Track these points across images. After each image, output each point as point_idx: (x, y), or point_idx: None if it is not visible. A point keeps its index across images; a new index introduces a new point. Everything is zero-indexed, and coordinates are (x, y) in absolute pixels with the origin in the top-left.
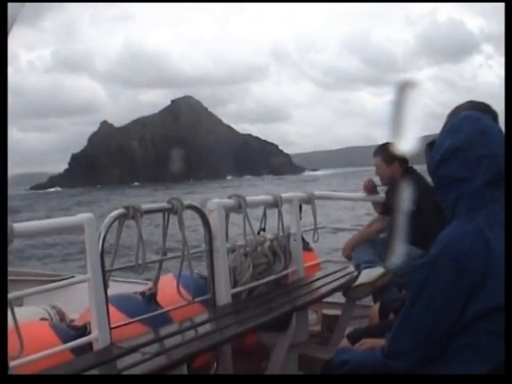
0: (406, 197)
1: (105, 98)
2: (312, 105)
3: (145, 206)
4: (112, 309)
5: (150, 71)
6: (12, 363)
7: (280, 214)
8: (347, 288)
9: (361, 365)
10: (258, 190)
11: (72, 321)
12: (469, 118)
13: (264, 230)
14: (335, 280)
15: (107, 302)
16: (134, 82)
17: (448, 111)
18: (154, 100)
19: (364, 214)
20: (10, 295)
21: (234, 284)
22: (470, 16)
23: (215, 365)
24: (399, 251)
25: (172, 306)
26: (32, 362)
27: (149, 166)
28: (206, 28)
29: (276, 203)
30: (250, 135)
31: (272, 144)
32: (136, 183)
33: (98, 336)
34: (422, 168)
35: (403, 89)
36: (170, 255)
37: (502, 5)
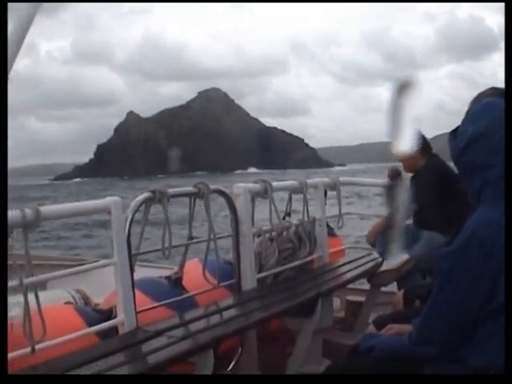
0: (428, 184)
1: (124, 89)
2: (332, 99)
3: (171, 190)
4: (138, 293)
5: (169, 63)
6: (37, 346)
7: (305, 200)
8: (372, 274)
9: (388, 350)
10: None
11: (97, 305)
12: (491, 104)
13: (289, 215)
14: (360, 266)
15: (133, 286)
16: (153, 74)
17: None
18: (174, 92)
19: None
20: (34, 279)
21: (260, 269)
22: (490, 13)
23: (240, 350)
24: (423, 238)
25: (197, 291)
26: (57, 346)
27: (174, 158)
28: (225, 21)
29: (301, 188)
30: (275, 128)
31: (297, 137)
32: (160, 175)
33: (123, 319)
34: None
35: (402, 88)
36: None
37: None
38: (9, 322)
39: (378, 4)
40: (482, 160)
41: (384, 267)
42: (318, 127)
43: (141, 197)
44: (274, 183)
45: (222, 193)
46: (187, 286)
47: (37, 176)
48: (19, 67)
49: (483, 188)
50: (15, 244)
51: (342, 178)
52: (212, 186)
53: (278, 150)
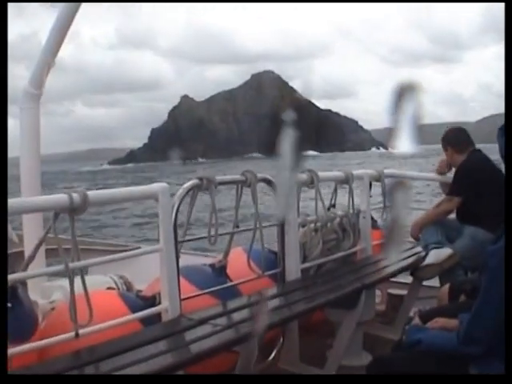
0: (468, 179)
1: (171, 73)
2: (378, 82)
3: (219, 178)
4: (182, 280)
5: (214, 47)
6: (81, 331)
7: (351, 191)
8: (415, 268)
9: (435, 346)
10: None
11: (139, 291)
12: None
13: (334, 206)
14: (402, 260)
15: (178, 274)
16: (199, 58)
17: None
18: (221, 75)
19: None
20: (80, 263)
21: (304, 259)
22: None
23: (282, 340)
24: (466, 233)
25: (241, 280)
26: (100, 331)
27: (231, 141)
28: (270, 5)
29: (347, 180)
30: (329, 111)
31: (352, 119)
32: (214, 160)
33: (167, 307)
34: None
35: (403, 91)
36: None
37: None
38: (52, 305)
39: None
40: None
41: (427, 261)
42: (365, 110)
43: (188, 184)
44: (320, 173)
45: (268, 181)
46: (231, 275)
47: (87, 161)
48: (64, 54)
49: None
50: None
51: (386, 171)
52: (259, 175)
53: (333, 132)
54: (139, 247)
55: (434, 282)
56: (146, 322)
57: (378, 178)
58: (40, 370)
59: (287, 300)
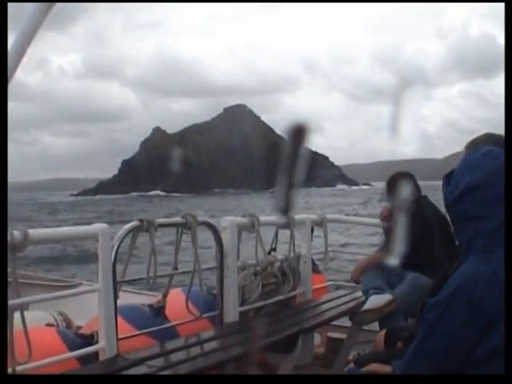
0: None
1: (137, 104)
2: (344, 117)
3: (159, 220)
4: (120, 319)
5: (181, 79)
6: (18, 368)
7: (292, 236)
8: (354, 313)
9: None
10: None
11: (78, 328)
12: (490, 154)
13: (275, 249)
14: (342, 304)
15: (116, 313)
16: (165, 90)
17: (480, 127)
18: (186, 109)
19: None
20: (20, 300)
21: (242, 302)
22: (502, 31)
23: None
24: (407, 278)
25: (180, 321)
26: (38, 368)
27: (203, 174)
28: (237, 37)
29: (289, 224)
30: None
31: (322, 155)
32: (187, 194)
33: (105, 346)
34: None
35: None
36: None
37: None
38: None
39: (389, 21)
40: (475, 211)
41: (366, 306)
42: (330, 146)
43: (128, 225)
44: (262, 218)
45: (209, 225)
46: (170, 316)
47: (53, 191)
48: (31, 81)
49: (474, 239)
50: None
51: (329, 216)
52: (200, 218)
53: (312, 168)
54: (81, 283)
55: (375, 326)
56: (84, 360)
57: (320, 223)
58: None
59: (224, 342)
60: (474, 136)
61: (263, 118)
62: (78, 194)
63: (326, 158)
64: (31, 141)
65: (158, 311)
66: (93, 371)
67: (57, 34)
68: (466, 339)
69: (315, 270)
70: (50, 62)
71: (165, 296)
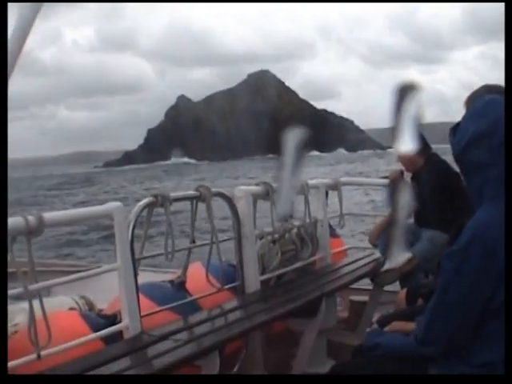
0: (427, 183)
1: (152, 75)
2: (361, 82)
3: (173, 194)
4: (142, 297)
5: (196, 49)
6: (43, 353)
7: (307, 201)
8: (374, 274)
9: (393, 348)
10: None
11: (101, 310)
12: (492, 102)
13: (291, 216)
14: (362, 266)
15: (137, 291)
16: (180, 60)
17: None
18: (202, 77)
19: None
20: (38, 285)
21: (263, 271)
22: None
23: (245, 352)
24: (424, 236)
25: (201, 294)
26: (62, 352)
27: (230, 141)
28: (250, 4)
29: (303, 190)
30: (325, 110)
31: (347, 119)
32: (216, 162)
33: (128, 324)
34: None
35: (404, 90)
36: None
37: None
38: (15, 328)
39: None
40: (482, 159)
41: (386, 267)
42: (348, 110)
43: (143, 201)
44: (275, 185)
45: (223, 196)
46: (191, 290)
47: (76, 164)
48: (46, 57)
49: (484, 187)
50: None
51: (343, 179)
52: (213, 189)
53: (332, 132)
54: (99, 266)
55: (396, 286)
56: (108, 340)
57: (335, 187)
58: None
59: (247, 312)
60: None
61: (287, 83)
62: (104, 166)
63: (352, 122)
64: (48, 115)
65: (179, 286)
66: (118, 350)
67: (69, 8)
68: (485, 286)
69: (333, 234)
70: (63, 37)
71: (184, 270)
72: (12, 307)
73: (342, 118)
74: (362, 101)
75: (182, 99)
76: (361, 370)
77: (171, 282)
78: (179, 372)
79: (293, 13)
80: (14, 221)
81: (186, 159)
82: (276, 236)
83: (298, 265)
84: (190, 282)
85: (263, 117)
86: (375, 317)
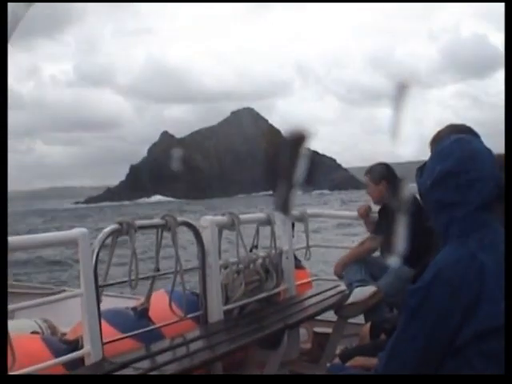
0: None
1: (130, 112)
2: (338, 121)
3: (139, 222)
4: (104, 324)
5: (173, 86)
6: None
7: (273, 232)
8: (339, 306)
9: None
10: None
11: (63, 334)
12: (459, 141)
13: (256, 247)
14: (327, 298)
15: (100, 317)
16: (157, 97)
17: (474, 127)
18: (181, 115)
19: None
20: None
21: (226, 301)
22: (493, 31)
23: None
24: (390, 270)
25: (164, 322)
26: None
27: (214, 179)
28: (228, 42)
29: (269, 221)
30: (307, 148)
31: (330, 158)
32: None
33: (90, 351)
34: None
35: (403, 88)
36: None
37: None
38: None
39: (381, 24)
40: (449, 198)
41: (351, 300)
42: (325, 150)
43: (108, 229)
44: (241, 216)
45: (189, 225)
46: (154, 318)
47: (51, 199)
48: (23, 90)
49: (450, 225)
50: None
51: (309, 211)
52: (179, 219)
53: (316, 171)
54: (63, 290)
55: (360, 319)
56: (70, 366)
57: (301, 219)
58: None
59: (210, 342)
60: None
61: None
62: (84, 202)
63: (334, 161)
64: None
65: (142, 314)
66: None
67: (48, 42)
68: (448, 324)
69: (298, 265)
70: (41, 71)
71: (148, 298)
72: None
73: (324, 156)
74: (338, 140)
75: (165, 136)
76: None
77: (134, 309)
78: None
79: (271, 51)
80: None
81: (170, 198)
82: (241, 266)
83: (262, 295)
84: (153, 310)
85: (246, 155)
86: (339, 349)
